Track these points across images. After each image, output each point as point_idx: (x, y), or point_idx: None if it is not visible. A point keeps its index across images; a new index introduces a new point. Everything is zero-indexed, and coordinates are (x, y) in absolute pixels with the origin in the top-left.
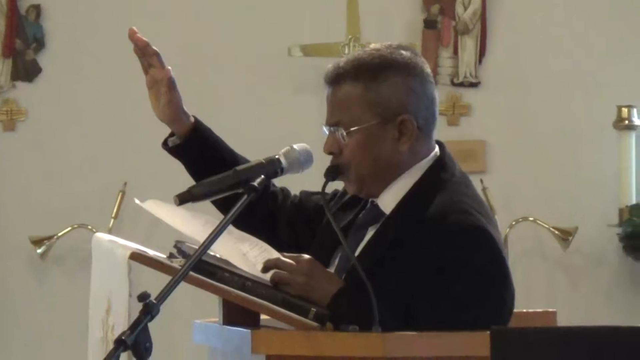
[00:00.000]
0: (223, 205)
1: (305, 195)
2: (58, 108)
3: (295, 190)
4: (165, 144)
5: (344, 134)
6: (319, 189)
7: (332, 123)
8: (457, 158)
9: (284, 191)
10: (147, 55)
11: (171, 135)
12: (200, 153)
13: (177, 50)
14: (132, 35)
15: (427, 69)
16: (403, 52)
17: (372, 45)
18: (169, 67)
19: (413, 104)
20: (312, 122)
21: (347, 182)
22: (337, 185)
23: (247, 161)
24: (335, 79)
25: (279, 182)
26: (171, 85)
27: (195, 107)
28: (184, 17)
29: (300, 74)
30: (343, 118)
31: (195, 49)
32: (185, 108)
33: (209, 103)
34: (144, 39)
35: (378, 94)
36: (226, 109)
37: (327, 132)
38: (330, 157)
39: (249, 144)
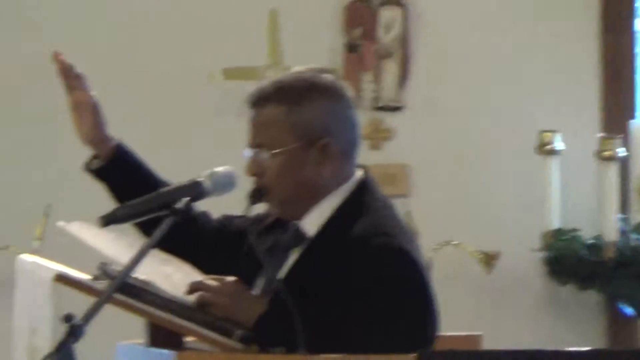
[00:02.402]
0: (146, 229)
1: (227, 219)
2: None
3: (217, 213)
4: (87, 167)
5: (267, 156)
6: (242, 212)
7: (255, 145)
8: (380, 182)
9: (206, 214)
10: (71, 78)
11: (94, 157)
12: (124, 176)
13: (99, 74)
14: (55, 57)
15: (349, 93)
16: (326, 76)
17: (295, 69)
18: (94, 92)
19: (335, 128)
20: (234, 145)
21: (271, 204)
22: (260, 208)
23: (170, 184)
24: (258, 101)
25: (203, 205)
26: (95, 109)
27: (117, 131)
28: (102, 39)
29: (221, 97)
30: (265, 140)
31: (117, 73)
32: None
33: (129, 127)
34: (68, 61)
35: (301, 117)
36: (148, 132)
37: (249, 155)
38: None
39: (171, 167)
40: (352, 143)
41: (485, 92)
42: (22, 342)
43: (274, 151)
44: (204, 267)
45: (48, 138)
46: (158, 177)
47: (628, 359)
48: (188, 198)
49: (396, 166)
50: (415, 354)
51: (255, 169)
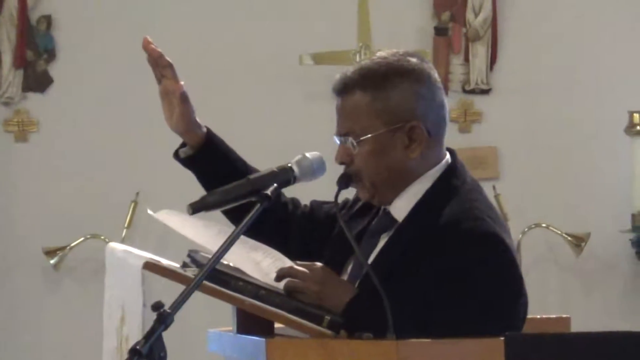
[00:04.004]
0: (234, 216)
1: (316, 204)
2: (70, 118)
3: (305, 198)
4: (176, 155)
5: (354, 143)
6: (331, 197)
7: (342, 133)
8: (470, 165)
9: (294, 201)
10: (160, 66)
11: (182, 145)
12: (212, 164)
13: (189, 59)
14: (146, 46)
15: (435, 74)
16: (410, 58)
17: (379, 53)
18: (182, 82)
19: (422, 110)
20: (324, 130)
21: (360, 189)
22: (347, 194)
23: (258, 172)
24: (344, 89)
25: (291, 190)
26: (184, 98)
27: (207, 115)
28: (195, 26)
29: (311, 82)
30: (353, 128)
31: (207, 58)
32: (197, 116)
33: (220, 111)
34: (158, 49)
35: (386, 102)
36: (238, 117)
37: (338, 142)
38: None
39: (261, 152)
40: (439, 124)
41: (573, 74)
42: (111, 329)
43: (361, 138)
44: (293, 253)
45: (136, 125)
46: (247, 164)
47: None
48: (276, 184)
49: (485, 149)
50: (502, 338)
51: (344, 157)
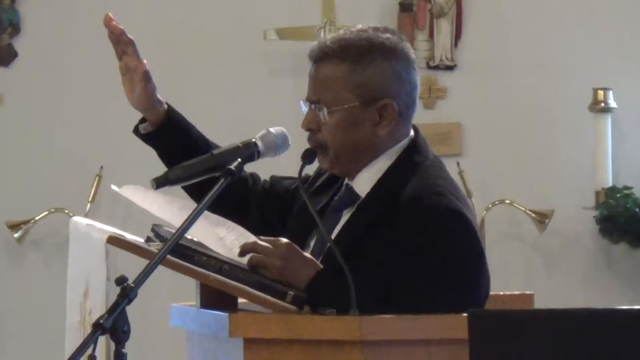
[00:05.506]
0: (195, 192)
1: (276, 180)
2: (34, 93)
3: (269, 173)
4: (136, 130)
5: (325, 112)
6: (295, 172)
7: (314, 100)
8: (434, 141)
9: (254, 176)
10: (121, 43)
11: (142, 121)
12: (173, 140)
13: (152, 34)
14: (107, 22)
15: (412, 55)
16: (390, 35)
17: (359, 26)
18: (145, 61)
19: (396, 89)
20: (288, 105)
21: (323, 158)
22: (309, 170)
23: (221, 147)
24: (321, 57)
25: (255, 165)
26: (146, 77)
27: (170, 91)
28: (159, 2)
29: (275, 57)
30: (325, 96)
31: (171, 33)
32: (162, 92)
33: (184, 87)
34: (120, 26)
35: (362, 76)
36: (202, 93)
37: (305, 108)
38: (306, 141)
39: (225, 127)
40: (410, 105)
41: (537, 51)
42: (75, 303)
43: (332, 108)
44: (253, 228)
45: (101, 100)
46: (208, 141)
47: None
48: (240, 159)
49: (449, 125)
50: (466, 314)
51: (312, 124)
